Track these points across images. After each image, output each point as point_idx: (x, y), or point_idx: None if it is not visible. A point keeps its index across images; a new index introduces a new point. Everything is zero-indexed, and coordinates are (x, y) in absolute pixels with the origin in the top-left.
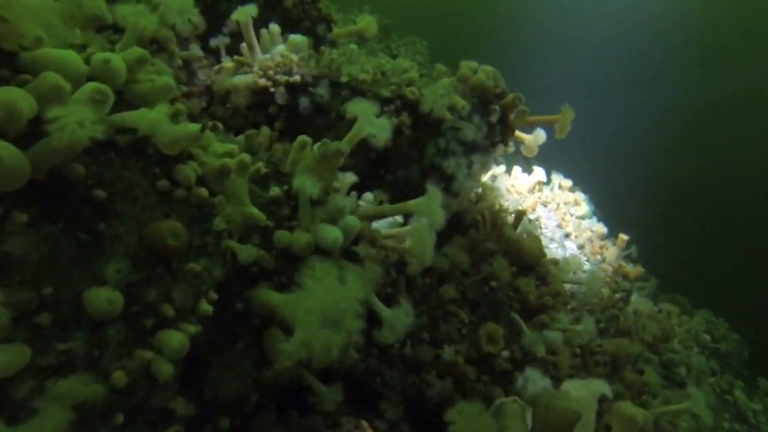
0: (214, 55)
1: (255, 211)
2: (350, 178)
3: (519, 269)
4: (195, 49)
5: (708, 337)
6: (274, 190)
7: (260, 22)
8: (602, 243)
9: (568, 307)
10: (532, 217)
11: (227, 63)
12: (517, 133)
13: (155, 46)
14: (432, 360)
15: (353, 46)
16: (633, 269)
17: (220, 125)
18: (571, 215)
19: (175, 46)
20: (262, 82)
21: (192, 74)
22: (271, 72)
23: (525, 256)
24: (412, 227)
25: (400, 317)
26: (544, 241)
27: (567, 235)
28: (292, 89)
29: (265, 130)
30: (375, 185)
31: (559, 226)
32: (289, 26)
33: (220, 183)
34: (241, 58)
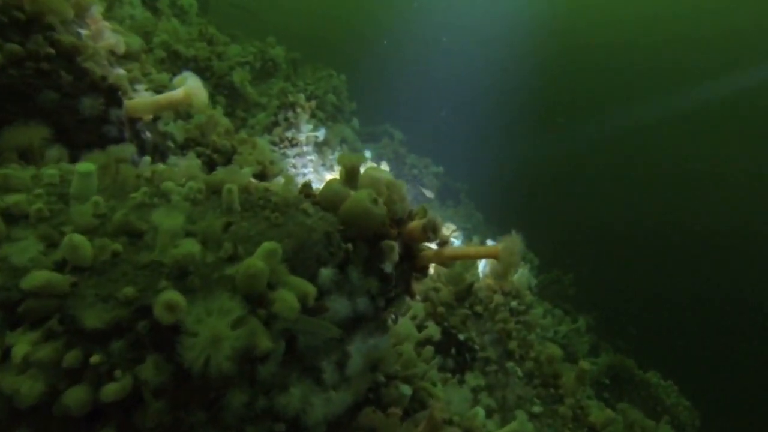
0: None
1: None
2: None
3: None
4: None
5: None
6: None
7: None
8: (555, 370)
9: None
10: (462, 337)
11: None
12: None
13: None
14: None
15: (73, 175)
16: (601, 417)
17: None
18: (514, 316)
19: None
20: None
21: None
22: None
23: None
24: None
25: None
26: (479, 368)
27: (511, 354)
28: None
29: None
30: None
31: (500, 341)
32: (18, 104)
33: None
34: None
